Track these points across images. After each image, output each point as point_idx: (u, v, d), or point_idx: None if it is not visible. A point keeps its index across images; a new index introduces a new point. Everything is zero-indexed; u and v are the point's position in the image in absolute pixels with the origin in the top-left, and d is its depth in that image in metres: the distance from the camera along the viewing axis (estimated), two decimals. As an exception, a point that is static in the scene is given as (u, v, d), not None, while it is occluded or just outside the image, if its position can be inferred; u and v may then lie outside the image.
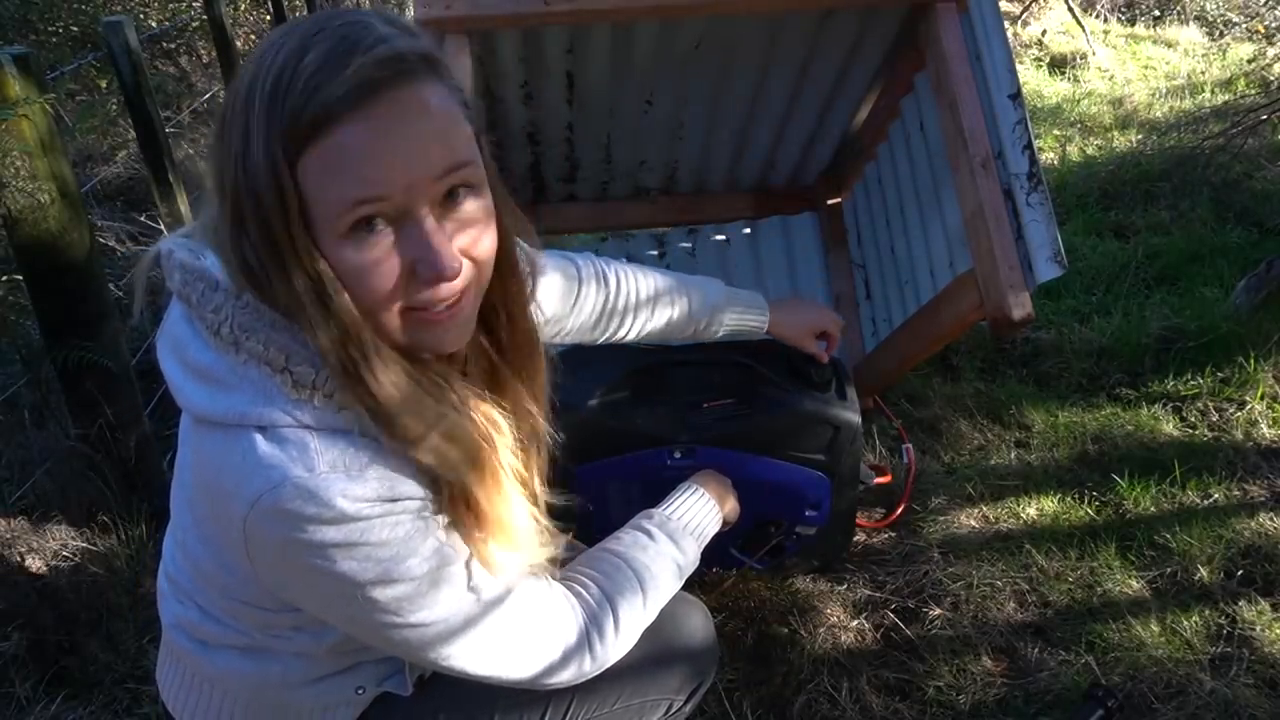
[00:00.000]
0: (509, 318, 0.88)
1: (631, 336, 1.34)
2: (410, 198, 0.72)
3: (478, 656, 0.89)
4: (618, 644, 1.00)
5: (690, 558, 1.13)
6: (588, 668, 0.97)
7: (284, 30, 0.72)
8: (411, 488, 0.80)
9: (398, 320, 0.77)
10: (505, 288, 0.86)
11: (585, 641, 0.97)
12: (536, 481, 0.94)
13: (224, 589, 0.89)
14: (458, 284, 0.77)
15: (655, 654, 1.12)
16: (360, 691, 0.99)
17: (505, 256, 0.84)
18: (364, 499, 0.76)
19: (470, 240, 0.78)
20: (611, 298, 1.28)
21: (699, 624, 1.20)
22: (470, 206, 0.77)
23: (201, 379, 0.79)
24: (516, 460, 0.89)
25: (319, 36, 0.69)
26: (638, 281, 1.31)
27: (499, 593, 0.89)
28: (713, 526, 1.21)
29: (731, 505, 1.30)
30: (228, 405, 0.76)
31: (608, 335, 1.32)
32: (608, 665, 1.00)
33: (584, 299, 1.24)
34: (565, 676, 0.96)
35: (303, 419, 0.76)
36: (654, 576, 1.05)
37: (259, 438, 0.75)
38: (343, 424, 0.77)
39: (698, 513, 1.19)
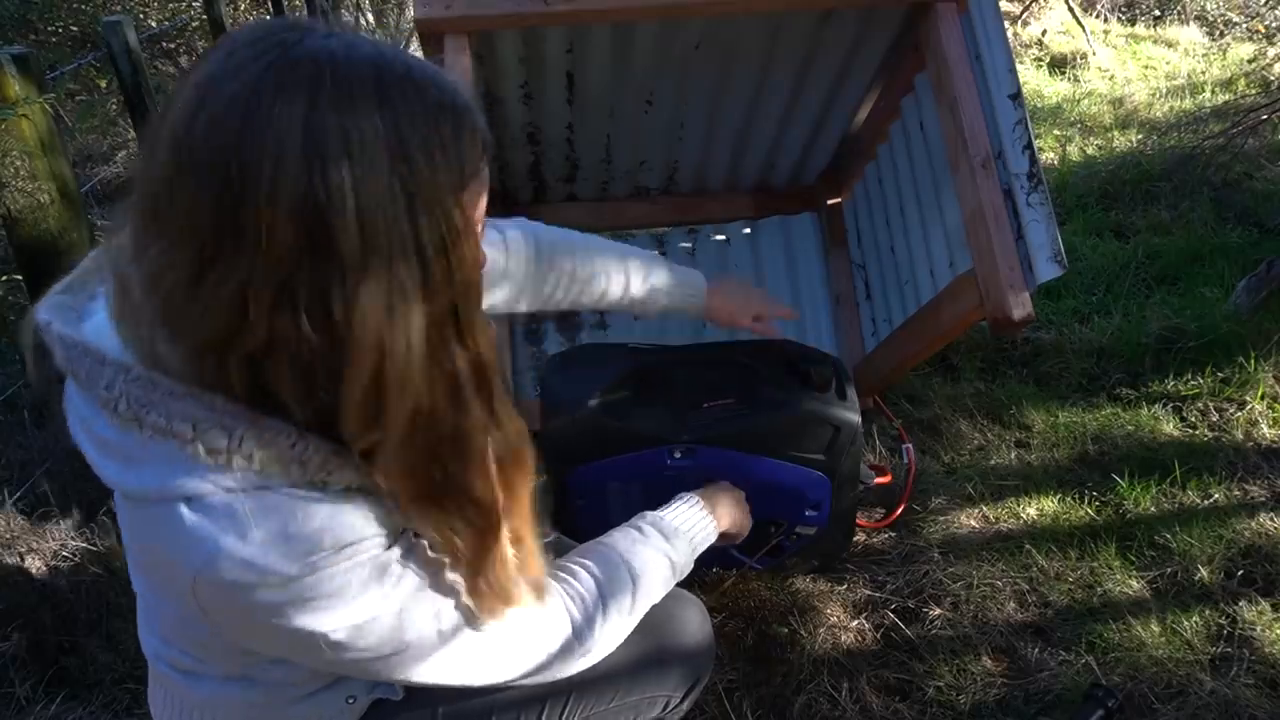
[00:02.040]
0: None
1: (573, 292, 1.35)
2: None
3: (455, 673, 0.88)
4: (605, 642, 0.99)
5: (683, 562, 1.13)
6: (574, 666, 0.98)
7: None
8: (365, 527, 0.75)
9: None
10: None
11: (570, 644, 0.96)
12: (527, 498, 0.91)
13: (194, 638, 0.88)
14: None
15: (653, 652, 1.12)
16: (351, 700, 0.98)
17: None
18: (308, 554, 0.72)
19: None
20: (534, 243, 1.29)
21: (696, 622, 1.20)
22: None
23: (113, 455, 0.73)
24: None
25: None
26: (560, 230, 1.35)
27: (472, 618, 0.87)
28: (706, 539, 1.19)
29: (731, 520, 1.28)
30: (144, 481, 0.72)
31: (547, 291, 1.33)
32: (591, 664, 0.99)
33: (514, 257, 1.26)
34: (547, 676, 0.96)
35: (226, 484, 0.70)
36: (647, 576, 1.05)
37: (184, 510, 0.70)
38: (270, 480, 0.71)
39: (692, 523, 1.18)
